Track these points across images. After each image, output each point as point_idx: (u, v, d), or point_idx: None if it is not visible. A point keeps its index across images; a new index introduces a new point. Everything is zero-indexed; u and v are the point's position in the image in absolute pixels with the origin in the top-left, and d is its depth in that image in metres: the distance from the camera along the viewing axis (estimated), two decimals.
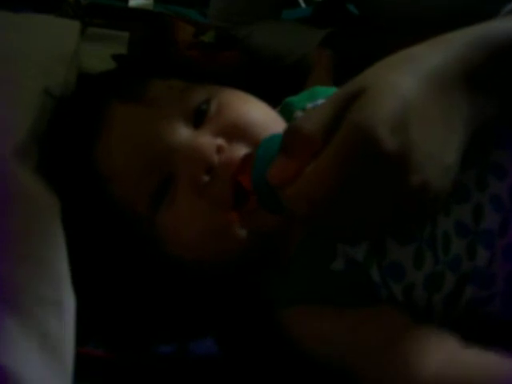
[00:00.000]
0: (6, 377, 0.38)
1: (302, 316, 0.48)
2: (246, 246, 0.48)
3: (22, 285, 0.42)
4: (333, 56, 0.82)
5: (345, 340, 0.46)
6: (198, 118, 0.51)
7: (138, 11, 1.02)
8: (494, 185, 0.47)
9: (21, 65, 0.58)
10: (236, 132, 0.49)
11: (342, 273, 0.47)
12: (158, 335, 0.52)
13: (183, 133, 0.50)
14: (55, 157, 0.52)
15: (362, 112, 0.37)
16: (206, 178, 0.47)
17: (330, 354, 0.46)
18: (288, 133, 0.39)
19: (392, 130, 0.36)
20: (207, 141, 0.48)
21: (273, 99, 0.56)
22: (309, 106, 0.55)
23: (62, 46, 0.64)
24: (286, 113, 0.56)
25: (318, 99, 0.56)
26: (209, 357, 0.51)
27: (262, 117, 0.52)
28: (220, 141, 0.48)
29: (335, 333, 0.46)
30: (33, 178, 0.48)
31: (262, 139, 0.43)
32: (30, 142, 0.51)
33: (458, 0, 0.76)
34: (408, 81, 0.39)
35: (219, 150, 0.48)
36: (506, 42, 0.42)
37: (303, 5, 1.37)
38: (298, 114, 0.55)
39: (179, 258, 0.50)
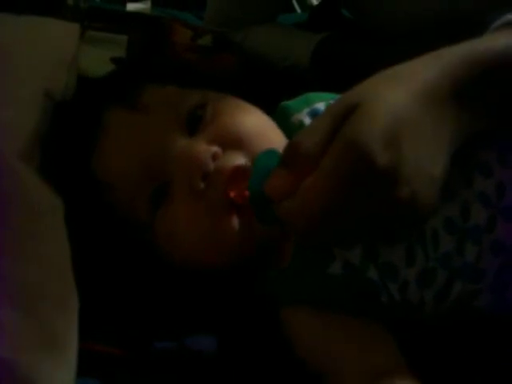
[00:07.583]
0: (11, 371, 0.39)
1: (294, 316, 0.48)
2: (241, 249, 0.50)
3: (26, 282, 0.43)
4: None
5: (324, 346, 0.47)
6: (193, 124, 0.52)
7: (136, 15, 1.03)
8: (481, 183, 0.48)
9: (22, 67, 0.59)
10: (231, 141, 0.50)
11: (339, 277, 0.48)
12: (157, 330, 0.52)
13: (179, 140, 0.51)
14: (56, 162, 0.53)
15: (355, 127, 0.39)
16: (202, 185, 0.49)
17: (311, 357, 0.47)
18: (288, 147, 0.41)
19: (384, 146, 0.38)
20: (203, 149, 0.50)
21: (268, 103, 0.56)
22: (305, 110, 0.56)
23: (63, 49, 0.65)
24: (282, 117, 0.56)
25: (314, 103, 0.56)
26: (207, 354, 0.52)
27: (257, 126, 0.53)
28: (215, 148, 0.50)
29: (318, 338, 0.47)
30: (36, 178, 0.49)
31: (259, 153, 0.45)
32: (33, 143, 0.52)
33: (446, 6, 0.77)
34: (401, 96, 0.41)
35: (214, 156, 0.49)
36: (493, 61, 0.44)
37: (299, 10, 1.38)
38: (296, 117, 0.56)
39: (177, 261, 0.51)
